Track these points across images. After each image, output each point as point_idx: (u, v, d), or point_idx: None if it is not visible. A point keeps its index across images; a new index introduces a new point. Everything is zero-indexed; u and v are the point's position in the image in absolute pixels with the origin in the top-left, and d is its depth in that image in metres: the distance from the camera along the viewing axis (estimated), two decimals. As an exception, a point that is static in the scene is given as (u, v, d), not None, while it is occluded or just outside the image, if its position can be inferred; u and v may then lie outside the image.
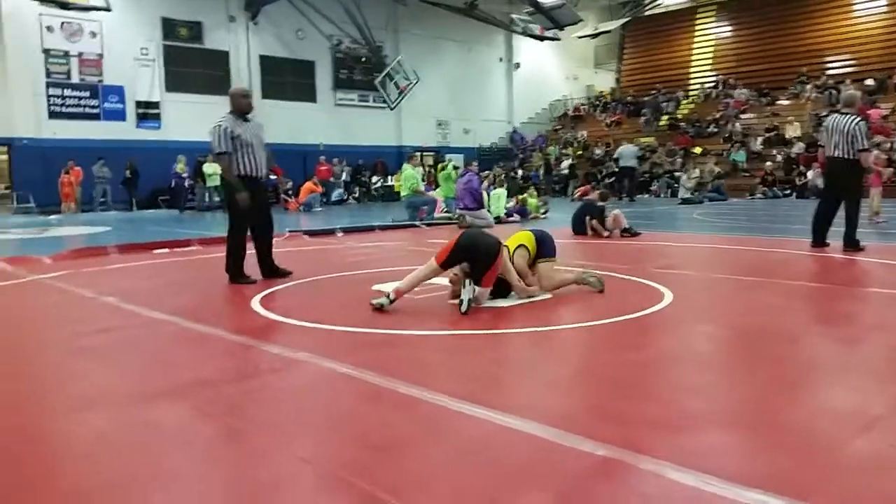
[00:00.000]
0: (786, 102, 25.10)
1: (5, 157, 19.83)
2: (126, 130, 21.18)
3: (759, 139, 23.31)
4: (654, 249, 8.72)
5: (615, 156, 21.90)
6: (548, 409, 2.76)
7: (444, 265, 4.76)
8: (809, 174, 19.42)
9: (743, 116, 25.38)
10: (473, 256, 4.69)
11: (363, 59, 25.08)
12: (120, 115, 21.24)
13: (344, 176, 23.70)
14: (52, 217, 17.03)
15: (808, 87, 24.81)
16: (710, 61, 30.64)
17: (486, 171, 16.60)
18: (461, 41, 28.59)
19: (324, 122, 25.23)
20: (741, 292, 5.51)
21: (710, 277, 6.37)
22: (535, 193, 15.68)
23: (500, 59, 31.10)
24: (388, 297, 4.64)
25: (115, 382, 3.34)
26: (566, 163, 26.05)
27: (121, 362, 3.74)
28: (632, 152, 21.23)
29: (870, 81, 23.05)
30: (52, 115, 20.00)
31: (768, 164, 21.44)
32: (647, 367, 3.40)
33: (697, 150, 24.37)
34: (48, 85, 19.93)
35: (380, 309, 4.62)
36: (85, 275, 6.96)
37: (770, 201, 19.31)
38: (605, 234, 9.88)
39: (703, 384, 3.14)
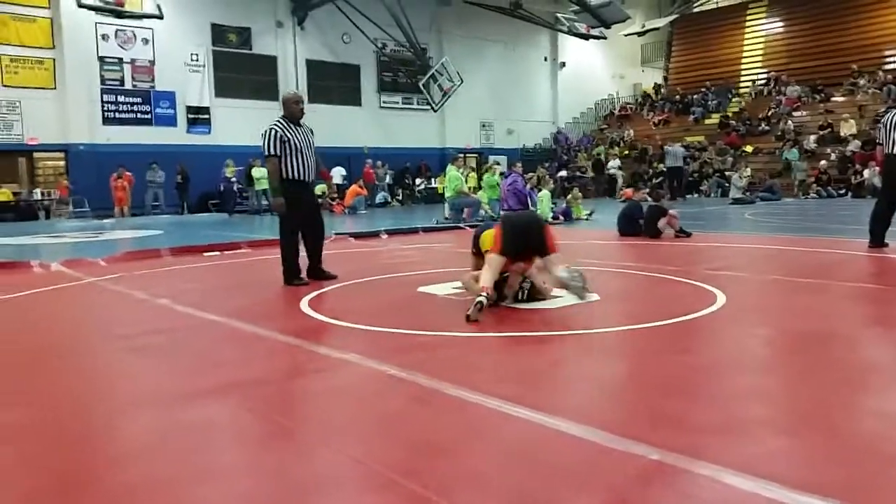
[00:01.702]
0: (840, 99, 24.34)
1: (62, 162, 20.50)
2: (177, 135, 21.73)
3: (813, 137, 22.66)
4: (705, 250, 8.54)
5: (664, 156, 21.69)
6: (599, 413, 2.72)
7: (508, 253, 4.66)
8: (866, 173, 18.81)
9: (795, 114, 24.70)
10: (529, 232, 4.66)
11: (407, 62, 25.22)
12: (171, 121, 21.80)
13: (387, 178, 23.85)
14: (106, 221, 17.53)
15: (863, 82, 24.00)
16: (760, 58, 29.87)
17: (531, 174, 16.49)
18: (505, 41, 28.51)
19: (368, 125, 25.46)
20: (796, 294, 5.36)
21: (764, 279, 6.21)
22: (580, 195, 15.48)
23: (545, 59, 30.92)
24: (485, 297, 4.44)
25: (167, 381, 3.41)
26: (613, 163, 25.71)
27: (172, 362, 3.82)
28: (679, 152, 21.06)
29: (929, 76, 22.22)
30: (106, 120, 20.65)
31: (822, 162, 20.85)
32: (699, 371, 3.32)
33: (749, 148, 23.82)
34: (102, 91, 20.58)
35: (479, 311, 4.42)
36: (139, 277, 7.15)
37: (824, 201, 18.75)
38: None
39: (758, 388, 3.05)
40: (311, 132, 6.45)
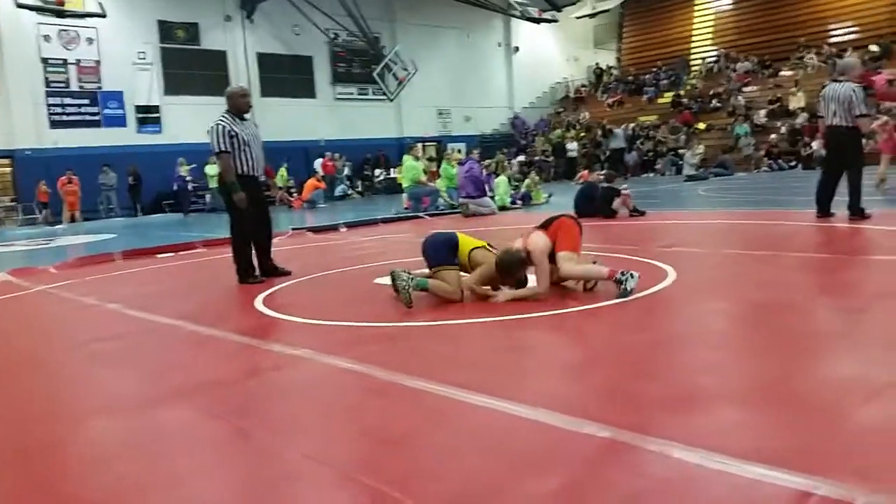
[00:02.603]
0: (788, 73, 24.83)
1: (9, 168, 19.89)
2: (127, 136, 21.23)
3: (763, 112, 23.10)
4: (659, 228, 8.67)
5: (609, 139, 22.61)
6: (554, 395, 2.74)
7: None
8: (814, 144, 19.22)
9: (746, 90, 25.14)
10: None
11: (361, 52, 25.00)
12: (120, 121, 21.28)
13: (346, 171, 23.67)
14: (58, 227, 17.08)
15: (810, 56, 24.53)
16: (710, 35, 30.33)
17: (488, 160, 16.51)
18: (459, 28, 28.42)
19: (324, 117, 25.19)
20: (746, 267, 5.47)
21: (715, 253, 6.33)
22: (538, 179, 15.54)
23: (499, 44, 30.89)
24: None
25: (122, 388, 3.35)
26: (571, 145, 25.86)
27: (126, 368, 3.74)
28: (620, 135, 22.62)
29: (874, 48, 22.75)
30: (53, 124, 20.08)
31: (772, 136, 21.26)
32: (651, 348, 3.37)
33: (701, 125, 24.19)
34: (48, 94, 19.99)
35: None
36: (90, 283, 6.99)
37: (776, 174, 19.15)
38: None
39: (710, 361, 3.11)
40: (257, 127, 6.34)
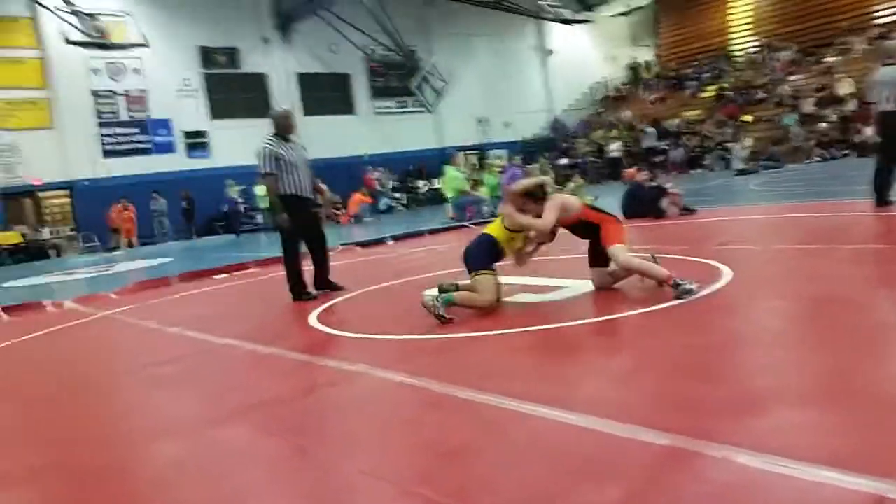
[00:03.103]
0: (833, 59, 24.17)
1: (68, 199, 20.67)
2: (177, 162, 21.87)
3: (811, 100, 22.51)
4: (711, 226, 8.51)
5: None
6: (611, 403, 2.72)
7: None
8: (866, 131, 18.63)
9: (791, 78, 24.53)
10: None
11: (397, 66, 25.24)
12: (170, 148, 21.93)
13: (390, 184, 23.90)
14: (116, 253, 17.66)
15: (854, 40, 23.81)
16: (750, 25, 29.71)
17: (532, 165, 16.47)
18: (492, 35, 28.46)
19: (365, 132, 25.51)
20: (803, 262, 5.33)
21: (771, 249, 6.19)
22: (581, 181, 15.42)
23: (534, 49, 30.82)
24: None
25: (183, 409, 3.45)
26: (614, 145, 25.59)
27: (187, 389, 3.85)
28: (652, 133, 22.67)
29: (922, 27, 22.00)
30: (107, 153, 20.82)
31: (822, 125, 20.68)
32: (710, 350, 3.32)
33: (748, 117, 23.68)
34: (99, 125, 20.74)
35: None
36: (150, 307, 7.21)
37: (828, 163, 18.62)
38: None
39: (771, 362, 3.04)
40: (304, 148, 6.48)
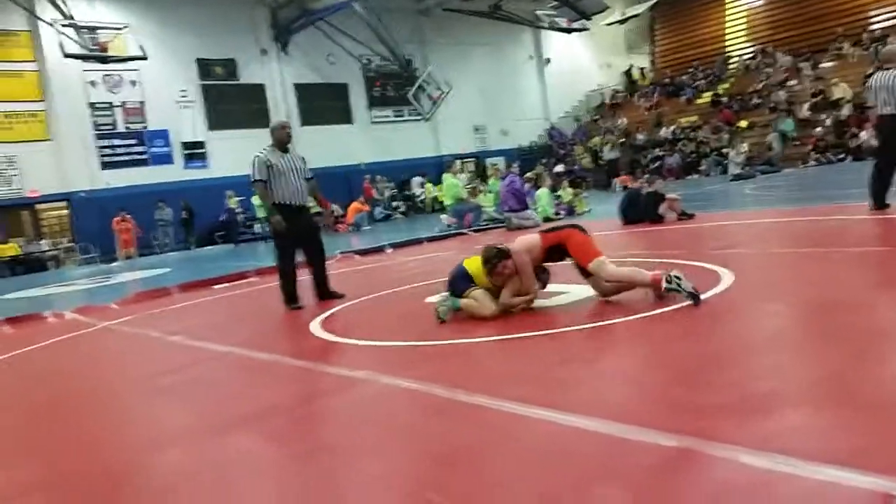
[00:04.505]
0: (829, 64, 24.29)
1: (66, 211, 20.67)
2: (175, 173, 21.88)
3: (806, 105, 22.62)
4: (709, 230, 8.55)
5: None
6: (614, 405, 2.74)
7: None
8: (862, 135, 18.73)
9: (786, 84, 24.64)
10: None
11: (394, 75, 25.32)
12: (167, 159, 21.94)
13: (387, 192, 23.94)
14: (114, 265, 17.66)
15: (849, 45, 23.96)
16: (744, 32, 29.89)
17: (529, 173, 16.49)
18: (489, 44, 28.57)
19: (362, 141, 25.57)
20: (802, 265, 5.36)
21: (769, 253, 6.22)
22: (570, 189, 15.36)
23: (530, 57, 30.95)
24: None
25: (187, 418, 3.45)
26: (610, 152, 25.63)
27: (190, 398, 3.86)
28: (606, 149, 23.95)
29: (917, 32, 22.14)
30: (104, 165, 20.83)
31: (818, 129, 20.78)
32: (713, 353, 3.34)
33: (743, 123, 23.77)
34: (97, 137, 20.75)
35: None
36: (151, 317, 7.21)
37: (824, 167, 18.70)
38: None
39: (771, 364, 3.06)
40: (303, 160, 6.55)
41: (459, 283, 4.85)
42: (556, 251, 4.71)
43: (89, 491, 2.65)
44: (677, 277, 4.19)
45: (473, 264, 4.87)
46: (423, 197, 24.79)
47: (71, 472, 2.87)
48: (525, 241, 4.76)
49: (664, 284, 4.21)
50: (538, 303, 4.78)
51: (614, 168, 24.42)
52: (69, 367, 5.35)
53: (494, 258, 4.64)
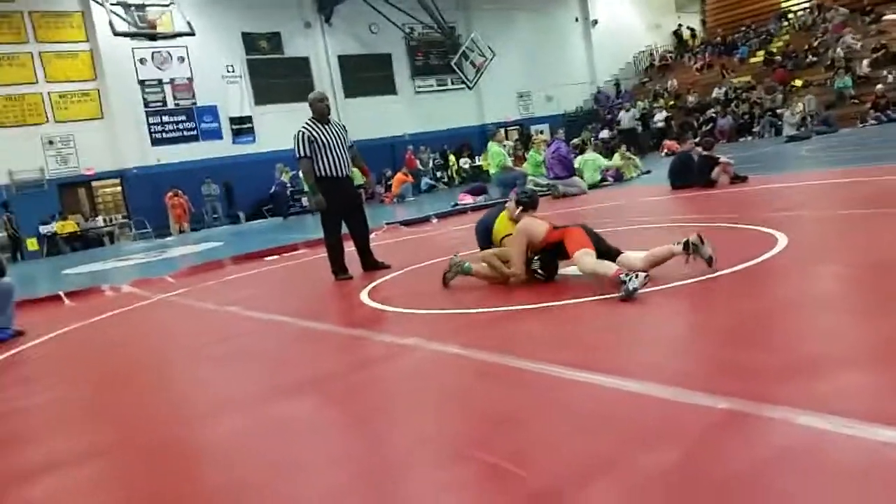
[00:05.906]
0: (892, 17, 23.11)
1: (119, 188, 21.27)
2: (224, 148, 22.23)
3: (866, 61, 21.64)
4: (763, 194, 8.32)
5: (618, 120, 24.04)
6: (665, 369, 2.72)
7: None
8: (928, 90, 17.90)
9: (844, 40, 23.58)
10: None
11: (437, 44, 25.11)
12: (216, 134, 22.29)
13: (431, 163, 23.91)
14: (168, 239, 18.14)
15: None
16: (800, -14, 28.69)
17: (576, 140, 16.24)
18: (533, 8, 28.06)
19: (406, 111, 25.53)
20: (861, 227, 5.19)
21: (827, 215, 6.03)
22: (627, 154, 15.05)
23: (576, 19, 30.27)
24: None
25: (243, 385, 3.55)
26: (659, 115, 25.06)
27: (246, 366, 3.97)
28: (629, 116, 23.77)
29: None
30: (155, 141, 21.28)
31: (879, 86, 19.89)
32: (764, 315, 3.27)
33: (798, 82, 22.92)
34: (147, 114, 21.18)
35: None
36: (206, 289, 7.40)
37: (884, 126, 17.93)
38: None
39: (827, 327, 2.99)
40: (344, 129, 6.57)
41: (482, 236, 5.16)
42: (555, 247, 4.52)
43: (153, 455, 2.75)
44: (694, 244, 4.10)
45: (503, 230, 5.01)
46: (466, 166, 24.67)
47: (135, 438, 2.98)
48: (532, 225, 4.66)
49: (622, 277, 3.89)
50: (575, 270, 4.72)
51: (664, 132, 23.89)
52: (130, 339, 5.54)
53: (523, 202, 4.88)
